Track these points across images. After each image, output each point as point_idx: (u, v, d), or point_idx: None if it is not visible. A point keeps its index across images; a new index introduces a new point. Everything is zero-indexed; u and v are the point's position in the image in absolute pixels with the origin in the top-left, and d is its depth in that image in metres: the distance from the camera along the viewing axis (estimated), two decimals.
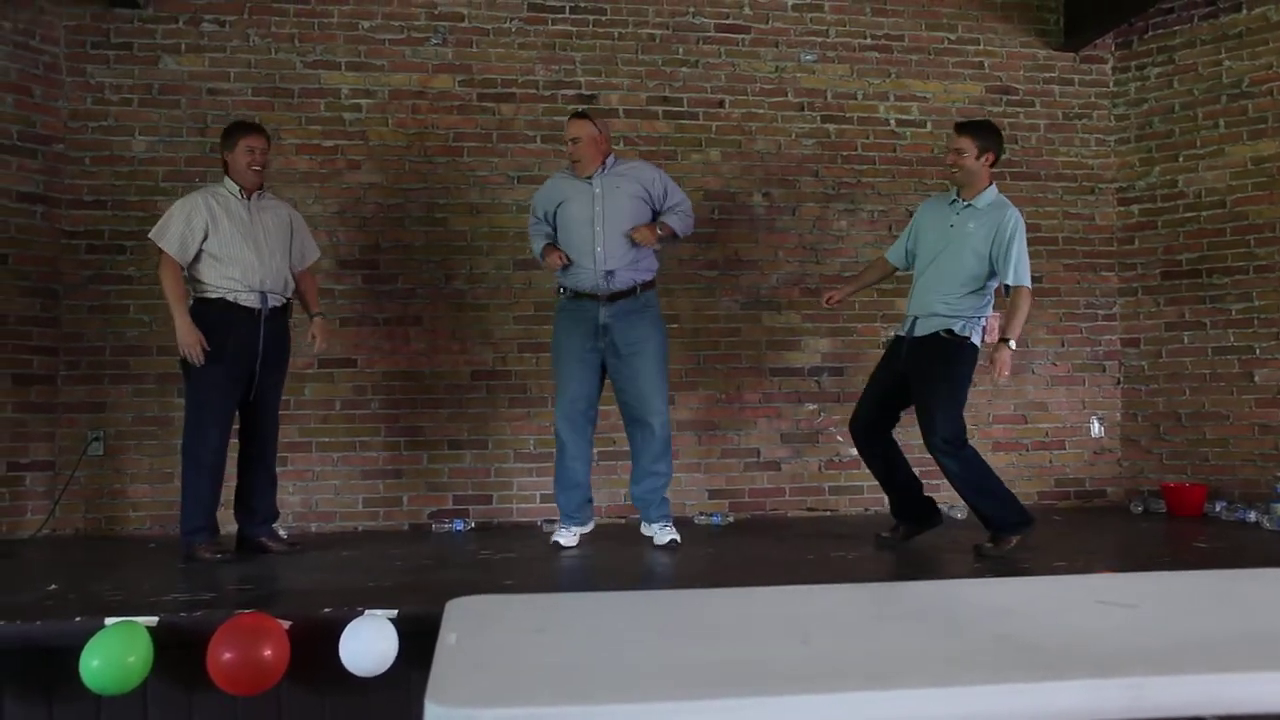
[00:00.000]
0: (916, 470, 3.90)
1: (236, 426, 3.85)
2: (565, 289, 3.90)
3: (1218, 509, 4.77)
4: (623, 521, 4.68)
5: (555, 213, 3.89)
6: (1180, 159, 5.23)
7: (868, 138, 5.23)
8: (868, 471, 3.98)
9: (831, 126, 5.21)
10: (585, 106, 4.38)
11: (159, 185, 4.67)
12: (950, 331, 3.67)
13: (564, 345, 3.88)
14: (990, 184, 3.76)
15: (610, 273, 3.78)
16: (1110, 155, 5.44)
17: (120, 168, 4.66)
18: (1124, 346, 5.38)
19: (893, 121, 5.26)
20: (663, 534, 3.91)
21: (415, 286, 4.83)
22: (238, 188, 3.79)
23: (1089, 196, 5.40)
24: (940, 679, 1.46)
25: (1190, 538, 4.20)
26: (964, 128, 3.77)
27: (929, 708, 1.40)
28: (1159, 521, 4.72)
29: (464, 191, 4.90)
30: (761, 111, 5.15)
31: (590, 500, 4.02)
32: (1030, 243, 5.18)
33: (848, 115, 5.22)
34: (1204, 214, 5.14)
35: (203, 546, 3.66)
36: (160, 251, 3.70)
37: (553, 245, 3.86)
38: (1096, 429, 5.33)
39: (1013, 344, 3.61)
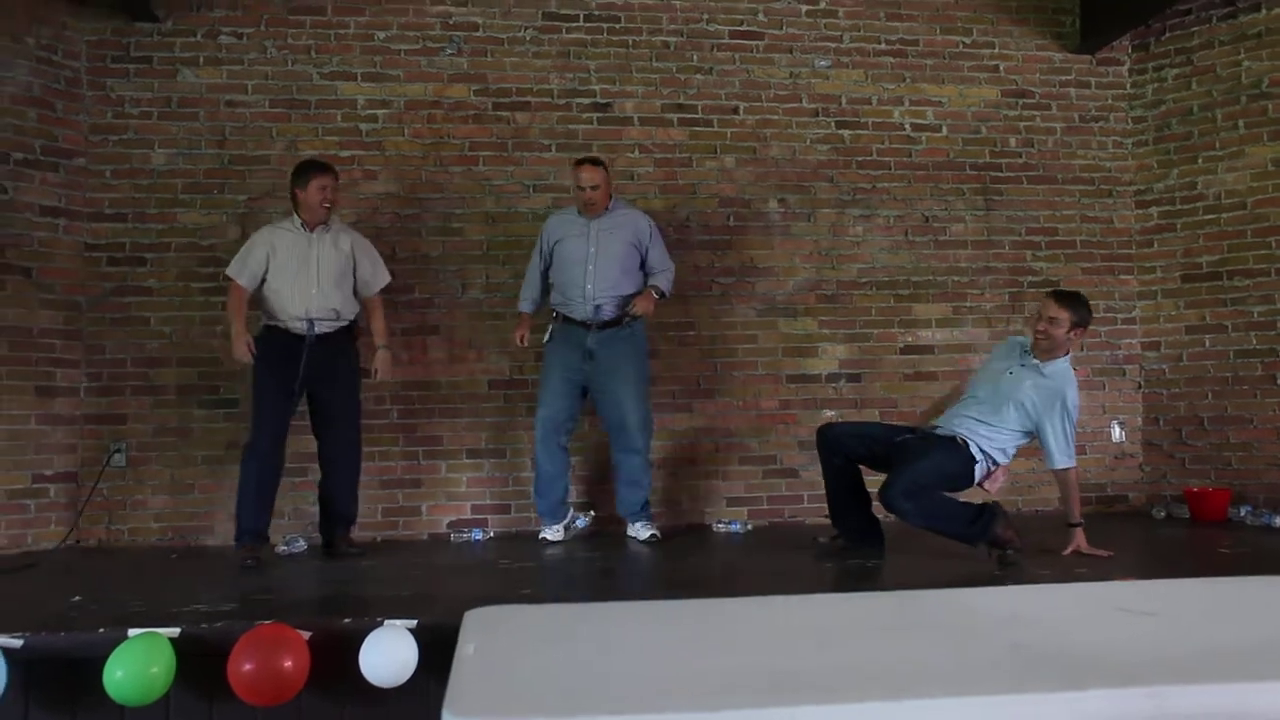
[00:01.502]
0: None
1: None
2: (558, 315, 4.31)
3: (1242, 513, 4.72)
4: None
5: (553, 249, 4.34)
6: (1199, 161, 5.19)
7: (883, 143, 5.22)
8: (994, 491, 3.91)
9: (846, 132, 5.20)
10: (596, 155, 4.45)
11: (178, 197, 4.72)
12: (966, 442, 3.72)
13: (552, 364, 4.29)
14: (1067, 354, 3.78)
15: (598, 306, 4.21)
16: (1128, 158, 5.41)
17: (140, 180, 4.71)
18: (1144, 350, 5.34)
19: (908, 126, 5.25)
20: (643, 530, 4.28)
21: (432, 296, 4.85)
22: (300, 222, 4.05)
23: (1107, 199, 5.37)
24: (959, 688, 1.45)
25: (1214, 543, 4.16)
26: (1062, 299, 3.75)
27: (947, 717, 1.40)
28: (1181, 527, 4.67)
29: (480, 201, 4.92)
30: (776, 117, 5.15)
31: (564, 500, 4.40)
32: (1047, 246, 5.27)
33: (862, 120, 5.22)
34: (1224, 216, 5.10)
35: (241, 549, 3.84)
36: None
37: (526, 318, 4.40)
38: (1117, 434, 5.29)
39: (1082, 523, 3.71)
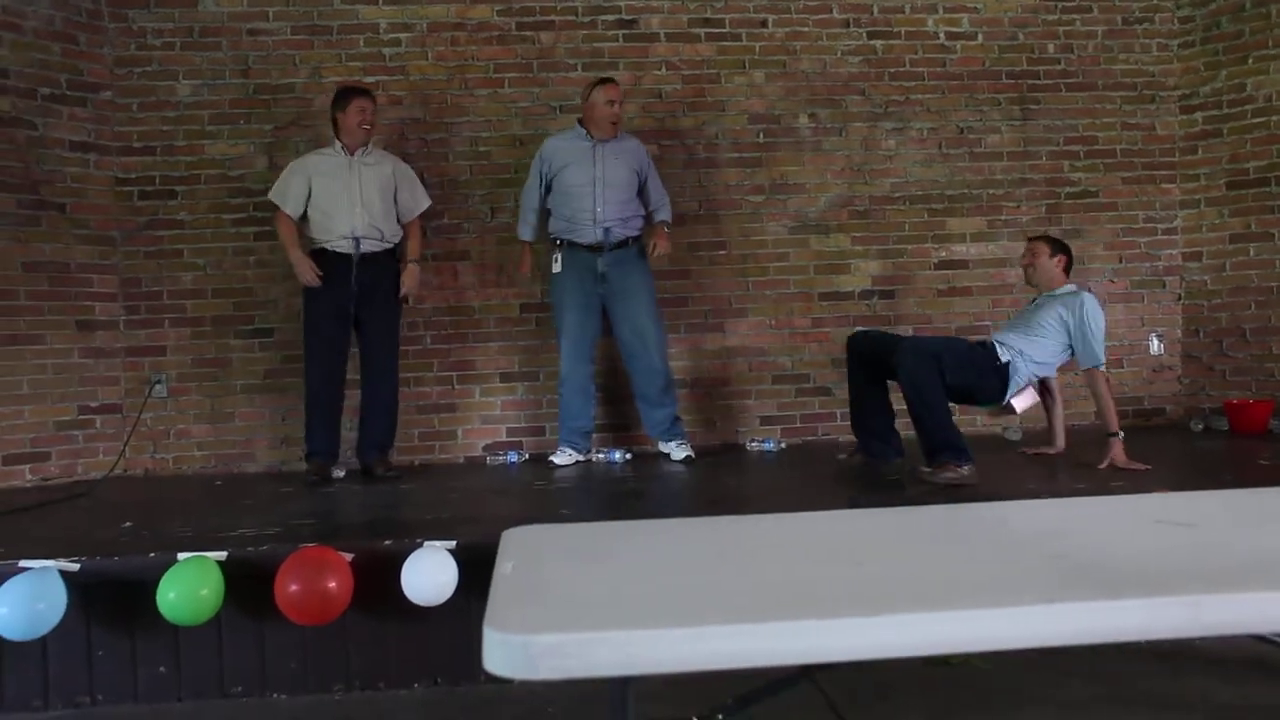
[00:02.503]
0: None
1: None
2: (563, 242, 4.29)
3: None
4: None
5: (555, 176, 4.30)
6: (1250, 61, 5.00)
7: (916, 53, 5.07)
8: (1020, 412, 3.91)
9: (878, 43, 5.06)
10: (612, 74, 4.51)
11: (205, 129, 4.71)
12: (993, 350, 3.69)
13: (568, 291, 4.28)
14: (1067, 283, 3.94)
15: (608, 229, 4.22)
16: (1173, 60, 5.22)
17: (167, 113, 4.70)
18: (1185, 261, 5.23)
19: (942, 35, 5.09)
20: (679, 450, 4.32)
21: (461, 221, 4.84)
22: (341, 146, 4.14)
23: (1149, 105, 5.20)
24: (995, 600, 1.46)
25: (1253, 455, 4.11)
26: (1033, 237, 4.16)
27: (983, 628, 1.40)
28: (1220, 439, 4.63)
29: (506, 123, 4.86)
30: (805, 30, 5.02)
31: (590, 432, 4.46)
32: (1086, 156, 5.13)
33: (895, 30, 5.07)
34: (1275, 119, 4.93)
35: (310, 466, 4.10)
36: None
37: (530, 249, 4.42)
38: (1155, 346, 5.21)
39: (1120, 434, 3.69)
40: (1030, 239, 4.14)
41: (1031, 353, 3.72)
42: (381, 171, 4.20)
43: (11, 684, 2.67)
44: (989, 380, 3.68)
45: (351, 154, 4.15)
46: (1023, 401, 3.81)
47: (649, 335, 4.28)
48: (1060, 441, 4.13)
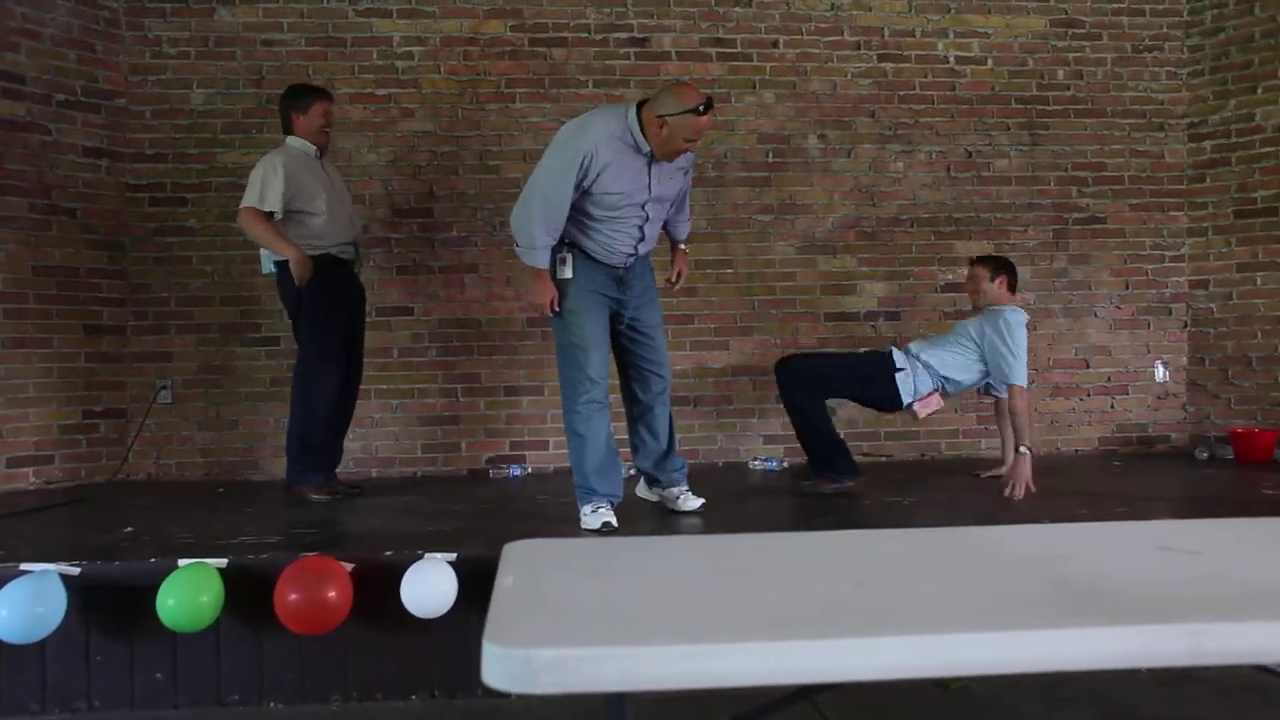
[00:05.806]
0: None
1: None
2: (577, 249, 3.22)
3: None
4: None
5: (593, 182, 3.07)
6: (1259, 91, 5.01)
7: (926, 76, 5.09)
8: (923, 417, 3.93)
9: (888, 65, 5.08)
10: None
11: (217, 137, 4.73)
12: (890, 351, 3.89)
13: (585, 304, 3.21)
14: (1010, 302, 3.99)
15: (639, 256, 3.32)
16: (1182, 89, 5.23)
17: (180, 121, 4.73)
18: (1192, 289, 5.22)
19: (952, 59, 5.11)
20: (693, 499, 3.49)
21: (469, 234, 4.85)
22: (313, 147, 3.85)
23: (1158, 133, 5.21)
24: (997, 623, 1.45)
25: (1258, 484, 4.10)
26: (975, 260, 4.16)
27: (984, 651, 1.40)
28: (1225, 468, 4.61)
29: (516, 138, 4.88)
30: (816, 51, 5.04)
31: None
32: (1094, 182, 5.13)
33: (905, 53, 5.09)
34: None
35: (313, 488, 3.83)
36: (240, 213, 3.70)
37: (549, 275, 3.18)
38: (1161, 373, 5.21)
39: (1031, 450, 3.68)
40: (971, 261, 4.19)
41: (933, 362, 3.82)
42: (340, 177, 4.04)
43: (9, 687, 2.66)
44: (883, 387, 3.83)
45: (319, 156, 3.88)
46: (925, 407, 3.86)
47: (666, 354, 3.44)
48: (1011, 462, 4.08)
